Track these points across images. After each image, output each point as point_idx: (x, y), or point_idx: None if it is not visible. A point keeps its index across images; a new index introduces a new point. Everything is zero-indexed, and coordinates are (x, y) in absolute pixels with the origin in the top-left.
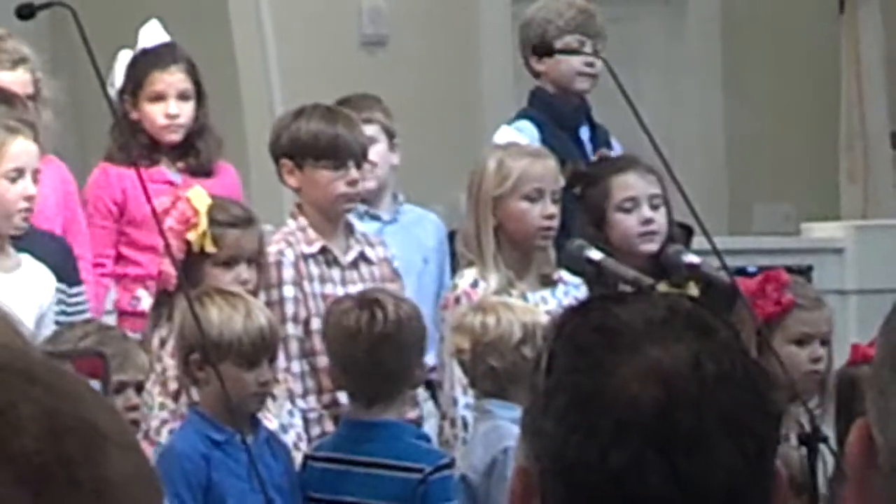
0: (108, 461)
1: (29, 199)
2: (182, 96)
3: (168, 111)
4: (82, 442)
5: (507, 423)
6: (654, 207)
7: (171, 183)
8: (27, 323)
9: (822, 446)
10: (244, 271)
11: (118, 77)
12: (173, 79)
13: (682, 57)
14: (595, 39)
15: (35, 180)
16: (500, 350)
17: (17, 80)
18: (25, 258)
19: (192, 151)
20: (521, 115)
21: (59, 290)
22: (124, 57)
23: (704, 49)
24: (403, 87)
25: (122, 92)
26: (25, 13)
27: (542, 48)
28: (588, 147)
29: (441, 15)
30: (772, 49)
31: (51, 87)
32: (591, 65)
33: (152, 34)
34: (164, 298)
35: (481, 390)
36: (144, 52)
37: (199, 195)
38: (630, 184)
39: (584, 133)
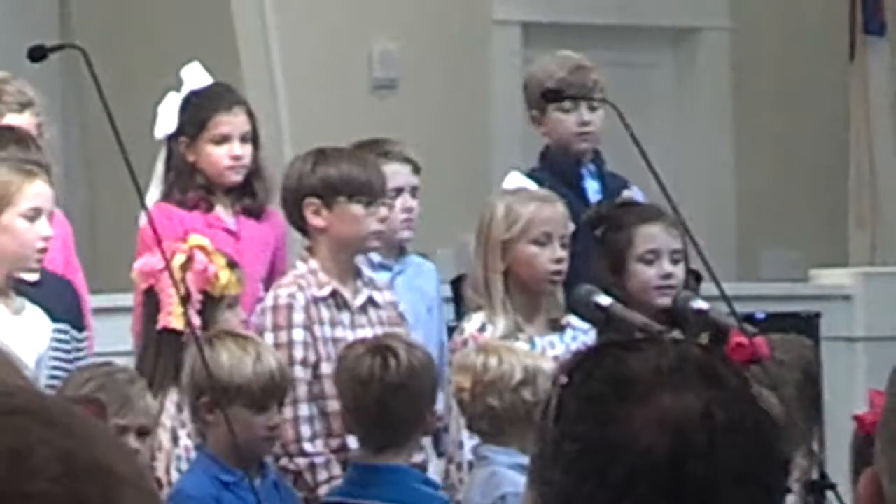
0: (122, 503)
1: (45, 239)
2: (244, 138)
3: (233, 153)
4: (98, 484)
5: (504, 470)
6: (675, 262)
7: (228, 230)
8: (29, 365)
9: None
10: (241, 311)
11: (167, 120)
12: (238, 120)
13: (691, 102)
14: (557, 101)
15: (50, 220)
16: (499, 390)
17: (24, 123)
18: (26, 303)
19: (249, 192)
20: (527, 174)
21: (72, 338)
22: (173, 100)
23: (714, 94)
24: (413, 131)
25: (177, 134)
26: (37, 55)
27: (548, 97)
28: (596, 201)
29: (451, 59)
30: (781, 95)
31: (52, 131)
32: (585, 124)
33: (197, 76)
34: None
35: (477, 430)
36: (199, 93)
37: (203, 240)
38: (655, 235)
39: (592, 188)
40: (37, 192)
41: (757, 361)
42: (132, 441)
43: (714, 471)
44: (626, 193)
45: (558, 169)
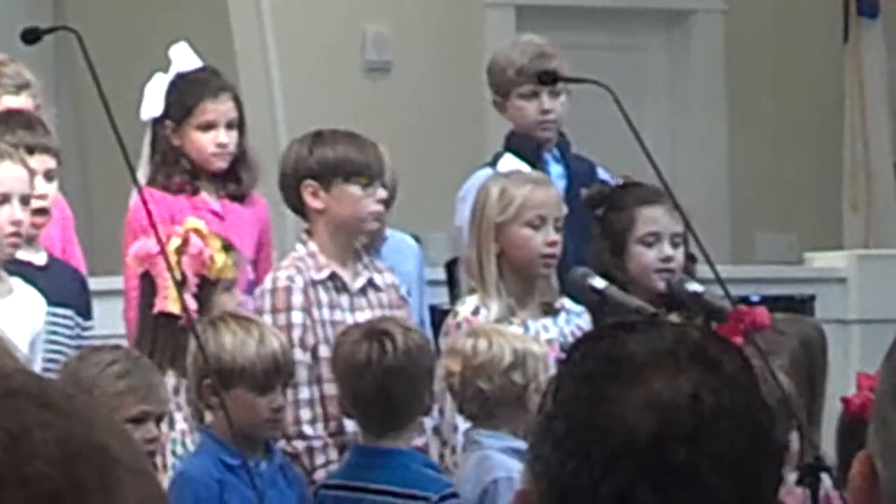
0: (120, 486)
1: (16, 223)
2: (230, 125)
3: (219, 140)
4: (95, 467)
5: (496, 454)
6: (675, 245)
7: (215, 212)
8: (21, 347)
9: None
10: (238, 294)
11: (153, 102)
12: (224, 107)
13: (686, 86)
14: (552, 84)
15: (26, 203)
16: (489, 373)
17: (21, 105)
18: (17, 283)
19: (234, 178)
20: (494, 158)
21: (76, 325)
22: (160, 81)
23: (708, 77)
24: (406, 114)
25: (163, 118)
26: (30, 38)
27: (543, 79)
28: (560, 184)
29: (445, 42)
30: (775, 78)
31: (49, 114)
32: (546, 112)
33: (184, 57)
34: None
35: (468, 414)
36: (186, 77)
37: (199, 223)
38: (656, 218)
39: (555, 172)
40: (3, 175)
41: (757, 330)
42: (152, 427)
43: (697, 455)
44: (628, 176)
45: (521, 154)
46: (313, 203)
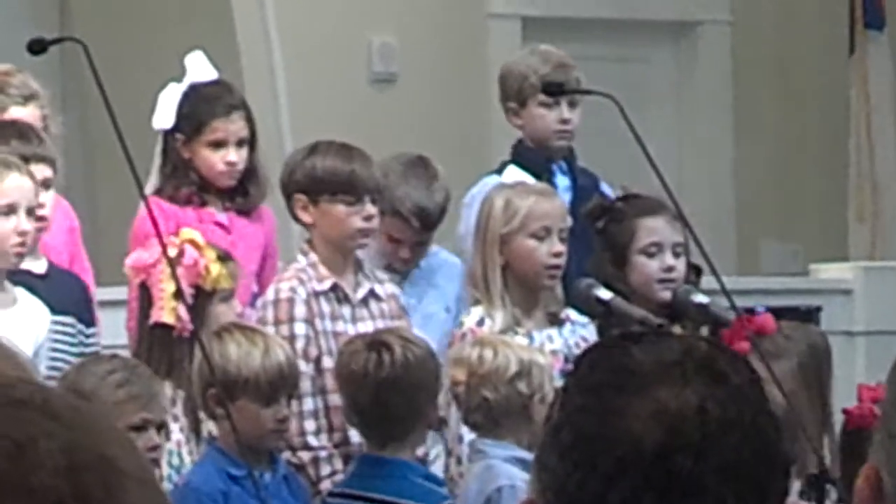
0: (125, 496)
1: (22, 234)
2: (240, 143)
3: (228, 159)
4: (100, 477)
5: (500, 463)
6: (676, 255)
7: (221, 225)
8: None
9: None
10: (237, 304)
11: (166, 113)
12: (235, 126)
13: (692, 96)
14: (559, 95)
15: (31, 214)
16: (494, 382)
17: (28, 115)
18: (21, 293)
19: (242, 192)
20: (501, 168)
21: (78, 332)
22: (173, 91)
23: (714, 88)
24: (412, 125)
25: (174, 130)
26: (37, 48)
27: (549, 90)
28: (566, 197)
29: (451, 53)
30: (781, 90)
31: (57, 124)
32: (565, 121)
33: (199, 66)
34: (161, 350)
35: (472, 423)
36: (200, 91)
37: (194, 234)
38: (657, 229)
39: (562, 184)
40: (9, 186)
41: (762, 336)
42: (154, 436)
43: (702, 466)
44: (626, 186)
45: (529, 164)
46: (303, 217)
